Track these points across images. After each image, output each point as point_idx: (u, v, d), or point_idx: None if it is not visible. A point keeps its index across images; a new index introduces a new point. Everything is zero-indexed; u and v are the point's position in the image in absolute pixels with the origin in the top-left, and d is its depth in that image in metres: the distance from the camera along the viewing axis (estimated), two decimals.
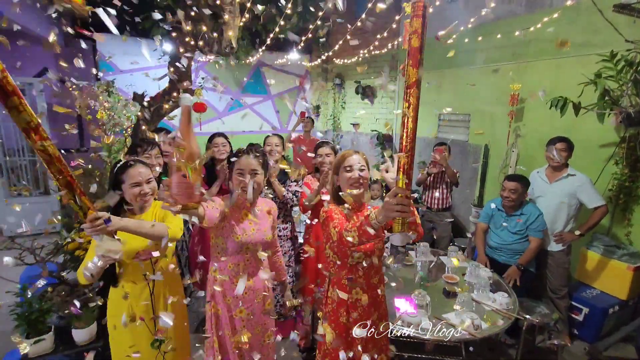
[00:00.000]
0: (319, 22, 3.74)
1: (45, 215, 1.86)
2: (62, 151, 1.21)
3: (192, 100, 1.24)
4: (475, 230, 3.37)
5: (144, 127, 3.91)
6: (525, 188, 2.92)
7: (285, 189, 2.79)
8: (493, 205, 3.07)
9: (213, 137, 3.15)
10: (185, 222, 2.73)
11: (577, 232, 2.91)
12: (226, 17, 3.29)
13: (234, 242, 1.76)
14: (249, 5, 3.32)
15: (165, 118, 3.90)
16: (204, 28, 3.52)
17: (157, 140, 2.75)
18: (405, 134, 1.12)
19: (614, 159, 3.21)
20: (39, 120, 1.10)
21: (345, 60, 6.37)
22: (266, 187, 2.84)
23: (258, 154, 1.81)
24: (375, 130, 6.53)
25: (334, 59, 6.78)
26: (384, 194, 4.87)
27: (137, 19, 3.32)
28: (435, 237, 4.03)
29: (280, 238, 2.82)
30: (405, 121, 1.11)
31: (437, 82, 5.29)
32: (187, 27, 3.44)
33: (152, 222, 1.58)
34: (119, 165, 1.72)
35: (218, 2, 3.21)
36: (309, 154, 2.84)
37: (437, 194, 3.95)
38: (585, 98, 2.94)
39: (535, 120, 3.98)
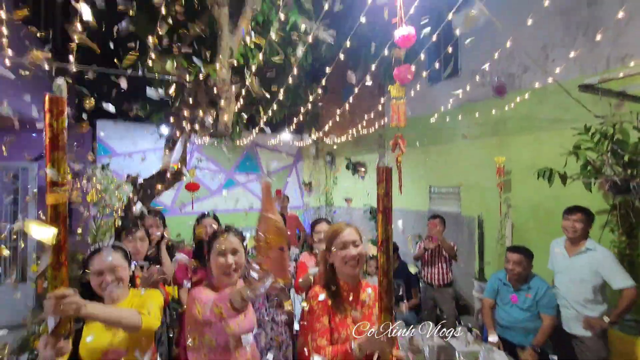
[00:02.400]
0: (309, 106, 4.00)
1: (17, 306, 1.69)
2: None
3: (272, 179, 1.24)
4: (481, 307, 3.16)
5: (134, 208, 3.85)
6: (530, 260, 2.80)
7: None
8: (498, 279, 2.92)
9: (202, 217, 3.01)
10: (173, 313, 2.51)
11: (607, 319, 2.51)
12: (222, 102, 3.51)
13: (225, 335, 1.57)
14: (244, 91, 3.57)
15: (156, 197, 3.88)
16: (201, 113, 3.72)
17: (144, 219, 2.66)
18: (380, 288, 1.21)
19: (609, 226, 3.20)
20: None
21: (335, 139, 6.69)
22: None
23: (238, 233, 1.72)
24: (367, 204, 6.57)
25: (324, 138, 7.12)
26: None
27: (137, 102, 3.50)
28: (439, 314, 3.78)
29: (276, 323, 2.59)
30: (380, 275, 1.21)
31: (423, 157, 5.52)
32: (186, 112, 3.64)
33: (121, 309, 1.41)
34: (91, 251, 1.62)
35: (215, 91, 3.45)
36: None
37: (436, 270, 3.80)
38: (568, 168, 3.04)
39: (524, 190, 4.06)
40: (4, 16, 2.12)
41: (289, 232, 2.92)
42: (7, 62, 2.67)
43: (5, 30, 2.21)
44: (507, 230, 4.18)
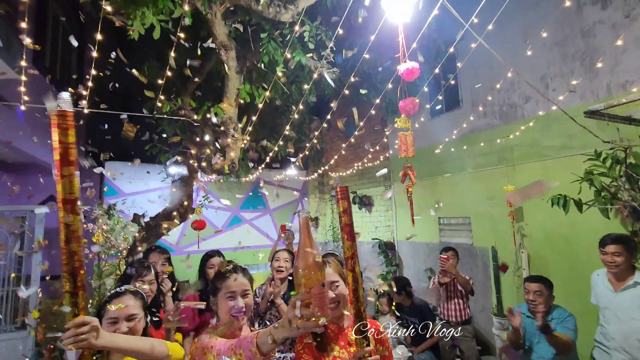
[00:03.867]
0: (315, 141, 4.04)
1: (12, 356, 1.59)
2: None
3: (308, 212, 1.23)
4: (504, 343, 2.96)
5: (139, 248, 3.80)
6: (550, 290, 2.65)
7: None
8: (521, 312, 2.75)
9: (209, 256, 2.84)
10: None
11: None
12: (229, 140, 3.56)
13: None
14: (250, 128, 3.63)
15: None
16: (208, 151, 3.77)
17: (150, 260, 2.59)
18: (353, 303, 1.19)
19: None
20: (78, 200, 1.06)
21: (341, 173, 6.71)
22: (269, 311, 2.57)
23: (246, 272, 1.61)
24: (376, 239, 6.44)
25: (330, 173, 7.15)
26: (393, 308, 4.46)
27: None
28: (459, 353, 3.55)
29: None
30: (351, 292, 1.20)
31: (430, 188, 5.47)
32: (193, 151, 3.68)
33: (149, 339, 1.31)
34: (110, 293, 1.54)
35: (222, 128, 3.52)
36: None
37: (452, 306, 3.62)
38: (582, 194, 2.98)
39: (538, 219, 3.96)
40: (24, 64, 2.22)
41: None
42: (23, 107, 2.76)
43: (24, 77, 2.30)
44: (523, 261, 4.03)
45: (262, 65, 3.16)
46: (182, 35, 2.19)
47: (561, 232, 3.70)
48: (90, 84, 2.37)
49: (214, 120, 3.28)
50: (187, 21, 2.55)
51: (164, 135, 4.02)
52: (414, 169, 2.98)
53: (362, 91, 3.64)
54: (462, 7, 2.46)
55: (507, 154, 4.33)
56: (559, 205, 2.83)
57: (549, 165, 3.86)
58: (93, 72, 2.29)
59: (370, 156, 5.27)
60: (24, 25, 1.86)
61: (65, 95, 1.03)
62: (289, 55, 2.68)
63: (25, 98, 2.80)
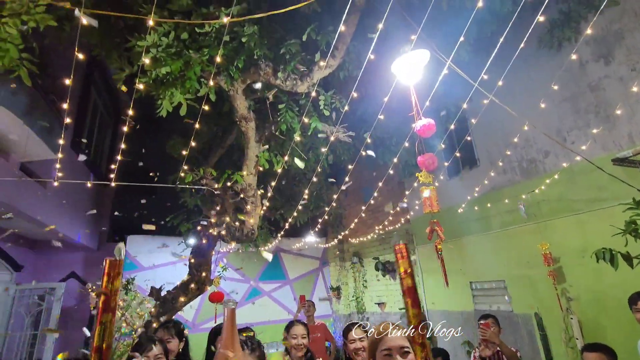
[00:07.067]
0: (334, 204, 4.02)
1: None
2: None
3: (235, 302, 1.14)
4: None
5: (154, 325, 3.62)
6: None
7: None
8: None
9: (217, 331, 2.52)
10: None
11: None
12: (248, 207, 3.58)
13: None
14: (269, 194, 3.66)
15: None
16: (227, 219, 3.77)
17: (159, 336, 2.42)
18: None
19: None
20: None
21: (361, 239, 6.53)
22: None
23: (255, 350, 1.47)
24: (403, 309, 5.95)
25: (350, 239, 6.97)
26: None
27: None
28: None
29: None
30: None
31: (456, 251, 5.18)
32: (213, 220, 3.70)
33: None
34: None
35: (242, 196, 3.57)
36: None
37: None
38: (628, 247, 2.73)
39: (582, 278, 3.61)
40: (62, 142, 2.39)
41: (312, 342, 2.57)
42: (56, 183, 2.91)
43: (60, 154, 2.46)
44: (574, 330, 3.58)
45: (280, 133, 3.33)
46: (206, 107, 2.35)
47: (612, 293, 3.33)
48: (119, 157, 2.51)
49: (235, 186, 3.36)
50: (211, 97, 2.76)
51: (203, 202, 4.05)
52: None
53: (370, 154, 3.68)
54: (465, 67, 2.59)
55: (534, 209, 4.15)
56: (606, 261, 2.57)
57: (583, 218, 3.65)
58: (123, 146, 2.44)
59: (391, 218, 5.16)
60: (65, 105, 2.04)
61: (121, 245, 1.13)
62: (306, 120, 2.81)
63: (59, 175, 2.97)
